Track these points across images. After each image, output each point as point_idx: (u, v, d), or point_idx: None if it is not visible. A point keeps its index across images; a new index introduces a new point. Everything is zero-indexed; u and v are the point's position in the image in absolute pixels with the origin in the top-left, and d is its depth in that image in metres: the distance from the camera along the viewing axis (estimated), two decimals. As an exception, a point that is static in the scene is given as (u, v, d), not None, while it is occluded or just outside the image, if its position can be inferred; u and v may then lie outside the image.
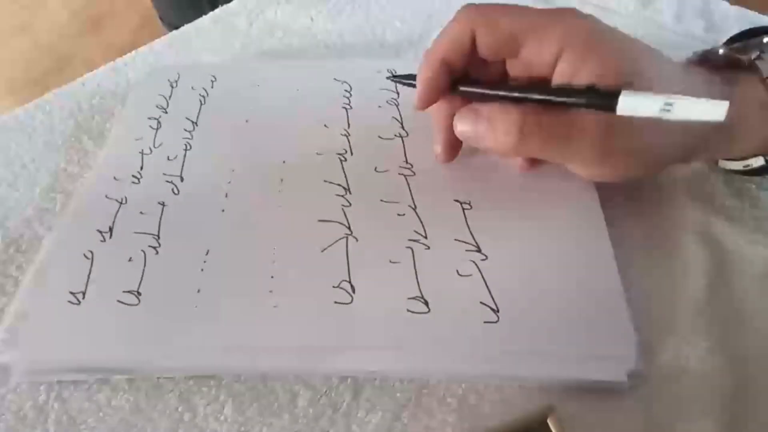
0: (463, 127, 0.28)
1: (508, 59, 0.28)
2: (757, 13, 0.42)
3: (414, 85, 0.29)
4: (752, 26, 0.31)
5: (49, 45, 1.52)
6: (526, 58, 0.27)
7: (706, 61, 0.29)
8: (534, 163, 0.30)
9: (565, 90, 0.26)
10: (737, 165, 0.30)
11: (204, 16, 0.47)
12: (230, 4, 0.48)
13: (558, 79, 0.26)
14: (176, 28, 0.46)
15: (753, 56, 0.27)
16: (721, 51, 0.28)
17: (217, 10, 0.48)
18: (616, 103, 0.23)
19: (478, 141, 0.28)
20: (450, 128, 0.29)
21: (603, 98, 0.24)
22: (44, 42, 1.53)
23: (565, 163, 0.28)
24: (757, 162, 0.29)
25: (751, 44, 0.28)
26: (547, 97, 0.26)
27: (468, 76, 0.29)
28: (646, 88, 0.23)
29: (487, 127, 0.27)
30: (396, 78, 0.33)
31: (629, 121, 0.24)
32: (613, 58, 0.25)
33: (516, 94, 0.27)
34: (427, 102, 0.29)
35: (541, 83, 0.27)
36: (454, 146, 0.31)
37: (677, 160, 0.29)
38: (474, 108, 0.28)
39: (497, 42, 0.27)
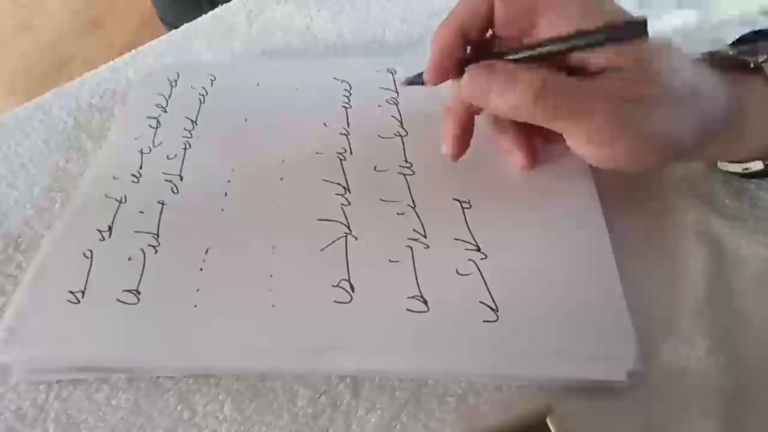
0: (475, 83, 0.26)
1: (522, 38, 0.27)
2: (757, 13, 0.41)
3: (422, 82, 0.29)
4: (752, 27, 0.31)
5: (49, 45, 1.53)
6: (543, 33, 0.26)
7: (711, 62, 0.29)
8: (533, 159, 0.30)
9: (586, 32, 0.25)
10: (736, 167, 0.30)
11: (204, 16, 0.47)
12: (230, 4, 0.48)
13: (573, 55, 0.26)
14: (176, 27, 0.46)
15: (761, 59, 0.27)
16: (730, 53, 0.28)
17: (216, 10, 0.48)
18: (645, 29, 0.23)
19: (489, 99, 0.26)
20: (461, 118, 0.28)
21: (632, 27, 0.24)
22: (44, 42, 1.53)
23: (575, 134, 0.26)
24: (757, 166, 0.29)
25: (762, 46, 0.28)
26: (571, 44, 0.25)
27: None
28: (658, 65, 0.24)
29: (503, 84, 0.25)
30: (409, 82, 0.31)
31: (647, 100, 0.24)
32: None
33: (535, 52, 0.26)
34: (438, 74, 0.28)
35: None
36: (463, 140, 0.30)
37: (682, 153, 0.28)
38: (489, 64, 0.26)
39: (515, 12, 0.26)
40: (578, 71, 0.26)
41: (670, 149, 0.26)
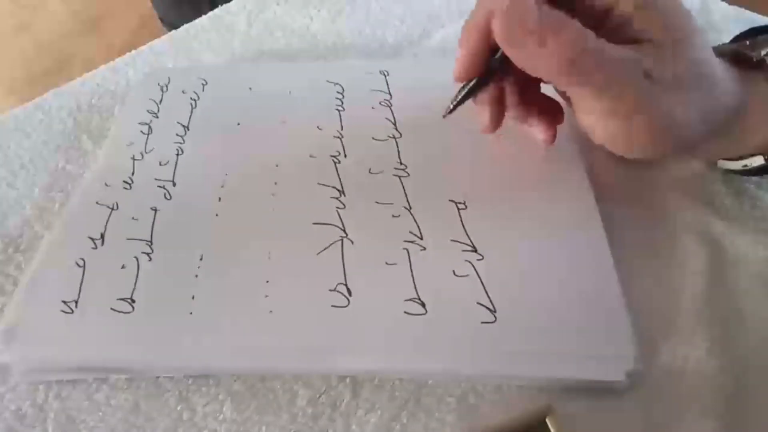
0: (517, 22, 0.24)
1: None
2: (755, 13, 0.41)
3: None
4: (753, 26, 0.31)
5: (49, 45, 1.52)
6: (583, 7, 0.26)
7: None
8: (497, 124, 0.30)
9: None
10: (736, 165, 0.30)
11: (204, 16, 0.47)
12: (230, 4, 0.48)
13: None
14: (176, 28, 0.46)
15: (763, 53, 0.27)
16: (731, 48, 0.28)
17: (216, 10, 0.48)
18: None
19: (525, 44, 0.24)
20: (479, 39, 0.26)
21: None
22: (44, 42, 1.53)
23: (593, 103, 0.25)
24: (756, 162, 0.29)
25: (760, 41, 0.28)
26: None
27: None
28: (687, 46, 0.24)
29: (549, 32, 0.24)
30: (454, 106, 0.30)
31: (664, 83, 0.24)
32: (662, 14, 0.25)
33: None
34: (467, 74, 0.28)
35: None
36: (475, 62, 0.27)
37: (686, 145, 0.27)
38: (537, 5, 0.24)
39: None
40: (614, 35, 0.25)
41: (676, 138, 0.26)
